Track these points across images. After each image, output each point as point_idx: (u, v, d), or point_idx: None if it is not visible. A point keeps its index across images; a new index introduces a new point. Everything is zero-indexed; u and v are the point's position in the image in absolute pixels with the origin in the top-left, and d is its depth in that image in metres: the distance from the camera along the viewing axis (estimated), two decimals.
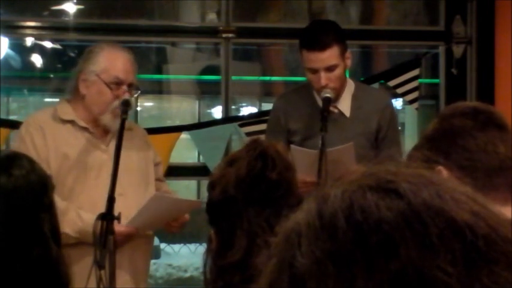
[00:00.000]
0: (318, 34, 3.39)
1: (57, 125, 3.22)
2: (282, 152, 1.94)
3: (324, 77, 3.32)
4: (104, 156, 3.22)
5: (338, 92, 3.42)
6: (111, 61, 3.21)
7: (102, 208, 2.94)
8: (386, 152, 3.41)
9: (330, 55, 3.33)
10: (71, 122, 3.23)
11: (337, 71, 3.36)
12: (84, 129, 3.22)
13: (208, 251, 1.89)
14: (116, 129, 3.11)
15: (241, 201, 1.85)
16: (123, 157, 2.99)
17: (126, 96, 3.17)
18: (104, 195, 3.05)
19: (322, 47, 3.33)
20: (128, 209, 3.00)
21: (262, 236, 1.77)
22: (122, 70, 3.20)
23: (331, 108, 3.42)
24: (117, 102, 3.16)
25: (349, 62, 3.44)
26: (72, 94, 3.29)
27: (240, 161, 1.89)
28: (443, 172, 1.73)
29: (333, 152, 3.18)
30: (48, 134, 3.18)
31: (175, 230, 3.29)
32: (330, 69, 3.33)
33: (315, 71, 3.35)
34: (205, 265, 1.88)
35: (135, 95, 3.23)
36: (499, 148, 1.75)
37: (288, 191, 1.88)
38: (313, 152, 3.21)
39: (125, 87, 3.19)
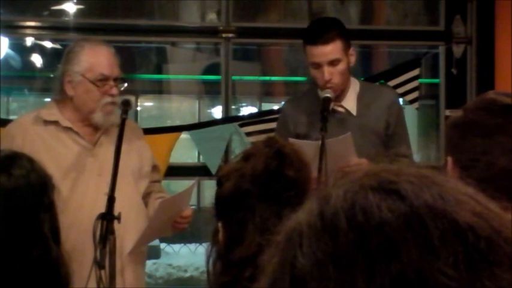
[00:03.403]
0: (321, 29, 3.43)
1: (38, 128, 3.21)
2: (298, 151, 1.94)
3: (327, 71, 3.35)
4: (89, 155, 3.20)
5: (341, 88, 3.43)
6: (93, 59, 3.20)
7: (89, 206, 3.02)
8: (396, 150, 3.41)
9: (333, 49, 3.37)
10: (55, 123, 3.22)
11: (340, 66, 3.38)
12: (68, 129, 3.21)
13: (213, 243, 1.86)
14: (107, 126, 3.18)
15: (255, 196, 1.83)
16: (112, 154, 2.98)
17: (114, 91, 3.18)
18: (92, 194, 3.07)
19: (325, 40, 3.36)
20: (118, 207, 2.98)
21: (275, 232, 1.75)
22: (106, 66, 3.20)
23: (336, 107, 3.44)
24: (107, 99, 3.17)
25: (353, 59, 3.47)
26: (59, 95, 3.30)
27: (256, 157, 1.88)
28: (449, 162, 1.72)
29: (332, 143, 3.17)
30: (29, 138, 3.17)
31: (184, 225, 3.26)
32: (333, 63, 3.36)
33: (318, 66, 3.37)
34: (209, 257, 1.85)
35: (122, 88, 3.23)
36: (498, 159, 1.67)
37: (303, 189, 1.87)
38: (313, 143, 3.21)
39: (111, 83, 3.20)
